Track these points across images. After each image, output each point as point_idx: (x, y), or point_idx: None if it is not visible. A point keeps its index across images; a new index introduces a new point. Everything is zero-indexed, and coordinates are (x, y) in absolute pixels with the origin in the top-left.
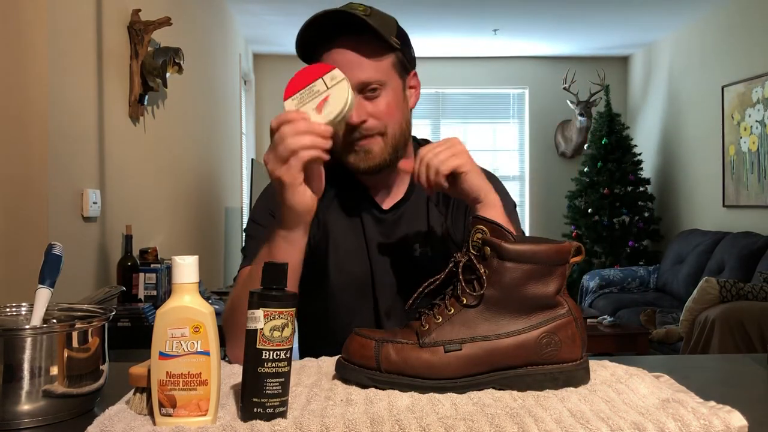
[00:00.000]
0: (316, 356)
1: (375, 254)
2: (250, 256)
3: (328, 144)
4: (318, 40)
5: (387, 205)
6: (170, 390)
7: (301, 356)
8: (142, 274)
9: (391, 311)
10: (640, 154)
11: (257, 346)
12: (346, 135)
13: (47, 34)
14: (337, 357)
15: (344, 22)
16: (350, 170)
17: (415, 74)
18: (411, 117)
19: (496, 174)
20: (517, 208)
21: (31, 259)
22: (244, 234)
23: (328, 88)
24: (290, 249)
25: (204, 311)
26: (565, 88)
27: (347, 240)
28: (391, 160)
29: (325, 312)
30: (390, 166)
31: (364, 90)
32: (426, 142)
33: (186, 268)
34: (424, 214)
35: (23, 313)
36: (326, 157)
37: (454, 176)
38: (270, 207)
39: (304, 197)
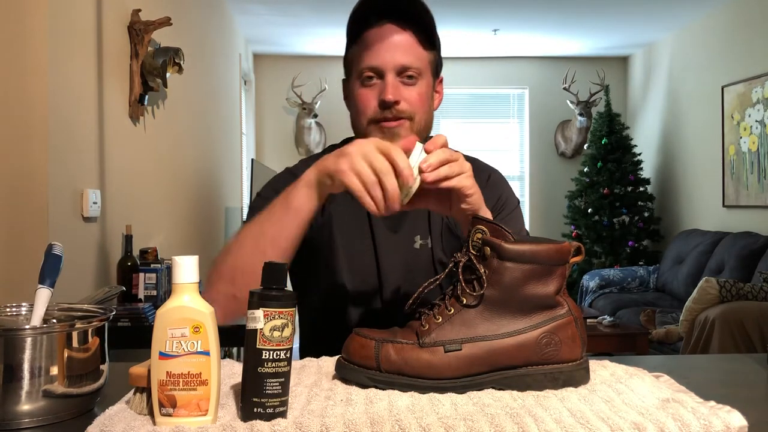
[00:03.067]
0: (321, 348)
1: (381, 246)
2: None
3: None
4: (371, 16)
5: None
6: (170, 390)
7: (304, 350)
8: (142, 274)
9: (395, 300)
10: (640, 154)
11: (257, 346)
12: (377, 113)
13: (47, 34)
14: (337, 357)
15: (401, 5)
16: None
17: (442, 81)
18: (433, 118)
19: None
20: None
21: (31, 259)
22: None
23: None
24: (292, 215)
25: (204, 311)
26: (565, 88)
27: (353, 231)
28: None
29: (329, 305)
30: None
31: (403, 74)
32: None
33: (186, 268)
34: None
35: (23, 313)
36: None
37: (457, 195)
38: (279, 189)
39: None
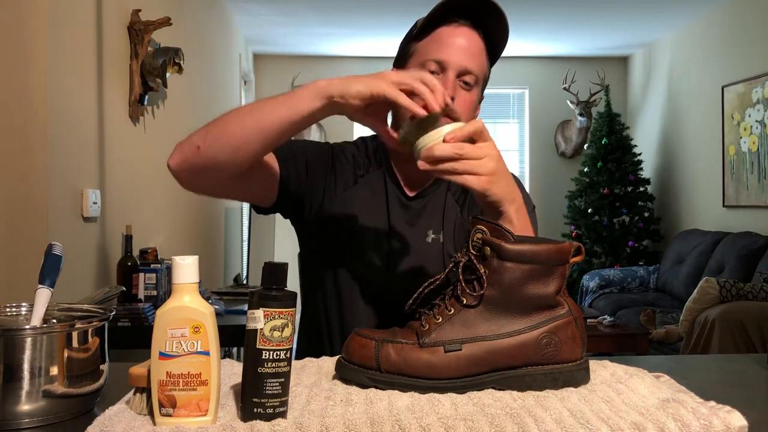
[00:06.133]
0: (324, 337)
1: (395, 236)
2: None
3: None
4: (452, 14)
5: (412, 193)
6: (170, 390)
7: (309, 340)
8: (142, 274)
9: (400, 291)
10: (640, 154)
11: (257, 346)
12: None
13: (47, 34)
14: (337, 357)
15: (487, 15)
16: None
17: (482, 99)
18: None
19: None
20: None
21: (31, 259)
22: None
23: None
24: (290, 108)
25: (204, 311)
26: (565, 88)
27: (371, 217)
28: None
29: (335, 296)
30: None
31: (461, 77)
32: None
33: (186, 268)
34: (442, 202)
35: (23, 313)
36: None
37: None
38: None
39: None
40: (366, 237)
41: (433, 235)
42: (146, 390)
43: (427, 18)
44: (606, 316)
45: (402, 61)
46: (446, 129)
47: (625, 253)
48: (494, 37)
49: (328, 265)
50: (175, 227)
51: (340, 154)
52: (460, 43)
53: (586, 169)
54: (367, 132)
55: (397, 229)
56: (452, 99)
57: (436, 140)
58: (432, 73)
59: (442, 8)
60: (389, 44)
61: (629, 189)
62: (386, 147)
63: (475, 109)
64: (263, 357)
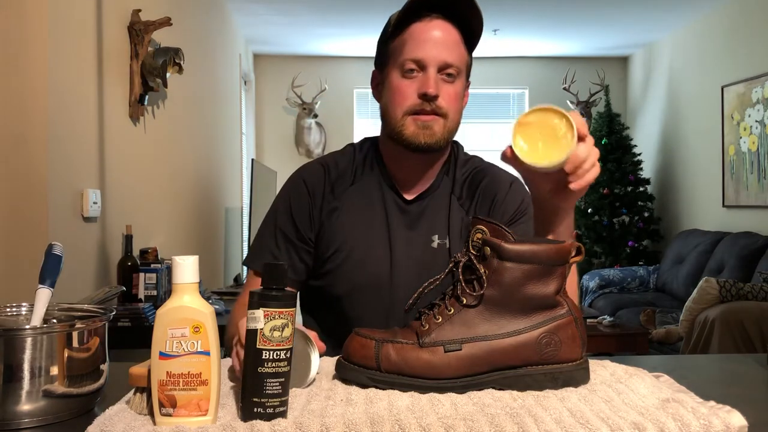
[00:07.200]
0: (328, 342)
1: (396, 242)
2: (251, 257)
3: None
4: (423, 8)
5: (410, 196)
6: (170, 390)
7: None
8: (142, 274)
9: (405, 298)
10: (640, 154)
11: (257, 346)
12: (415, 105)
13: (47, 34)
14: (337, 357)
15: (456, 3)
16: (403, 144)
17: (469, 85)
18: (461, 119)
19: None
20: None
21: (31, 259)
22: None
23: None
24: None
25: (204, 311)
26: (565, 88)
27: (368, 223)
28: (441, 147)
29: (338, 301)
30: (436, 152)
31: (443, 71)
32: (457, 145)
33: (186, 268)
34: (446, 207)
35: (23, 313)
36: None
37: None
38: (290, 202)
39: None
40: (365, 243)
41: (439, 240)
42: (146, 390)
43: (399, 16)
44: (606, 316)
45: (382, 63)
46: (569, 138)
47: (625, 253)
48: (469, 24)
49: (329, 270)
50: (175, 227)
51: (314, 178)
52: (435, 38)
53: None
54: (360, 135)
55: (397, 233)
56: (436, 96)
57: (569, 145)
58: (412, 71)
59: (414, 4)
60: None
61: (629, 189)
62: (380, 149)
63: (462, 99)
64: (263, 357)
